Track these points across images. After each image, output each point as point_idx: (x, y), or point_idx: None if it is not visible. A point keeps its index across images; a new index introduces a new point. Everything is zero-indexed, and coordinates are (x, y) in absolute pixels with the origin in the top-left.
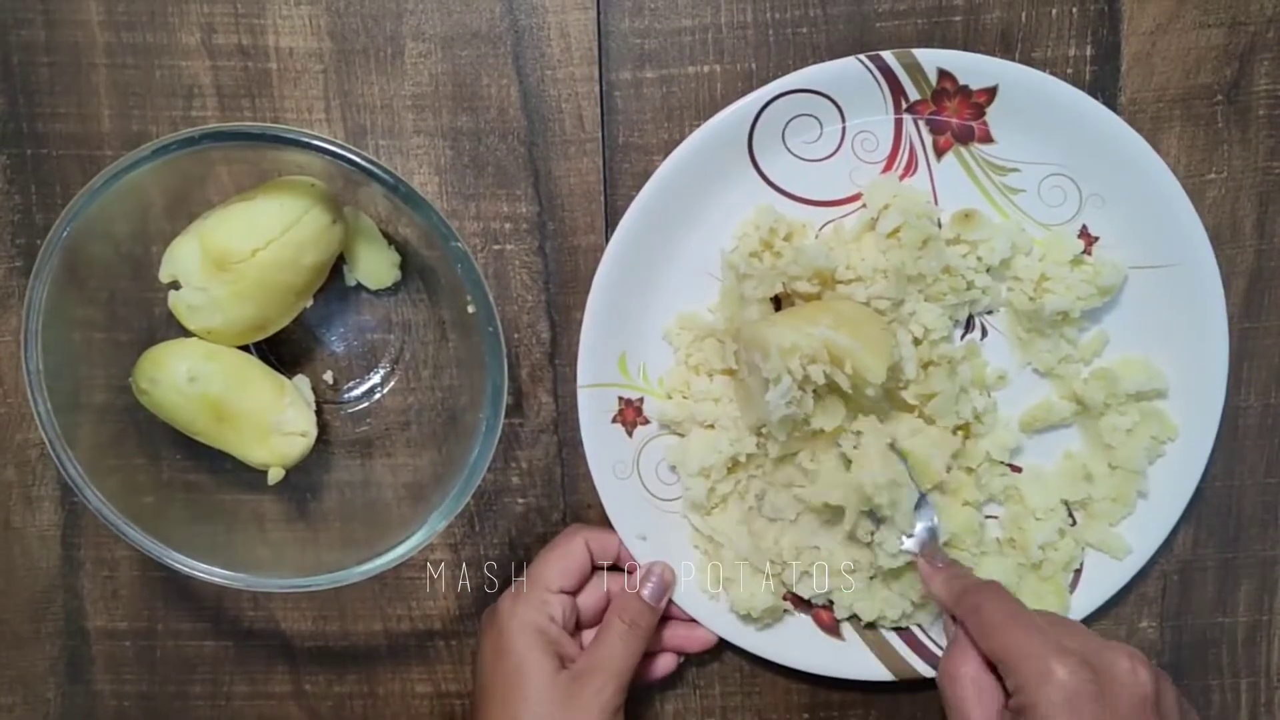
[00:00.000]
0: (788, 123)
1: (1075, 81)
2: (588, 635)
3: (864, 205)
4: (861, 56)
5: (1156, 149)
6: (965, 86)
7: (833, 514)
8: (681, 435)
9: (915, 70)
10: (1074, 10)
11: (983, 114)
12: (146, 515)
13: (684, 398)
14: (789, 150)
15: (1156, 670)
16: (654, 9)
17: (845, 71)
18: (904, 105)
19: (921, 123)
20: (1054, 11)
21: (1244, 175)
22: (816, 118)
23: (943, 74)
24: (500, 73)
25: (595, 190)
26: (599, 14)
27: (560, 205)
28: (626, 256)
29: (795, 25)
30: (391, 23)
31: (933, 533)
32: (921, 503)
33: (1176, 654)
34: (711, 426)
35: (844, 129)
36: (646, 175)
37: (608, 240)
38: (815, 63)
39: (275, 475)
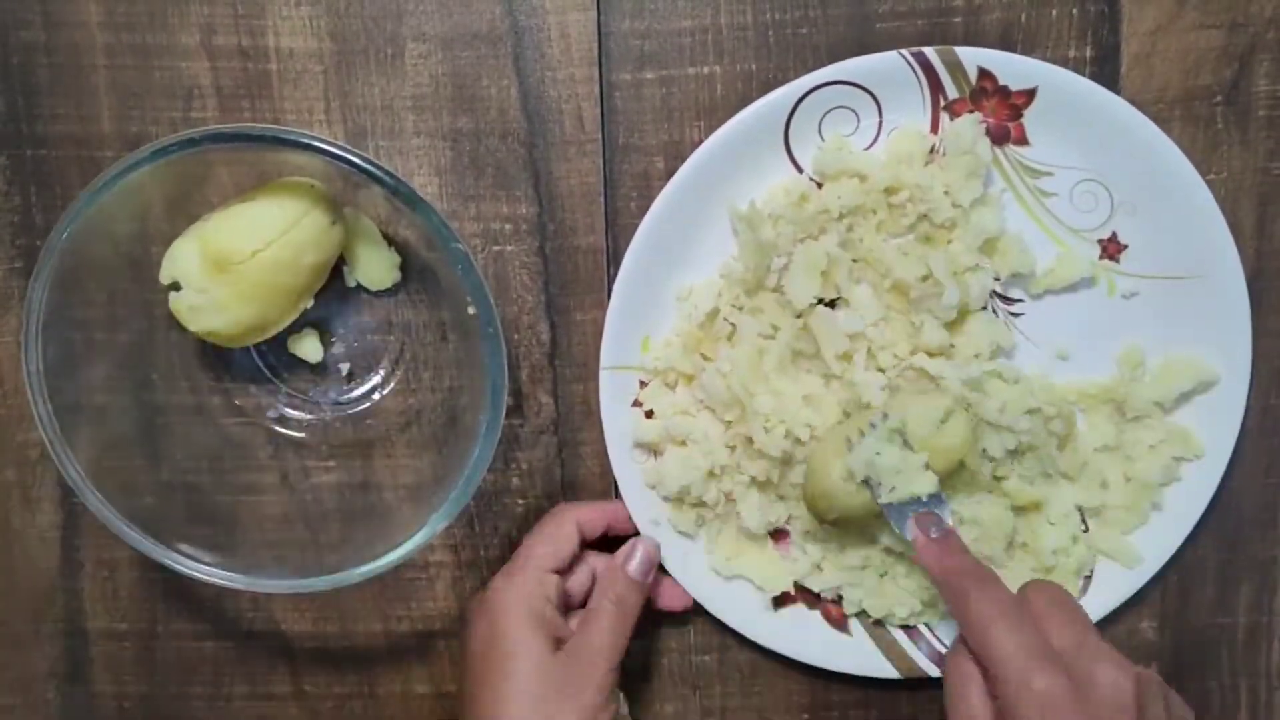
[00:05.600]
0: (825, 114)
1: None
2: (575, 619)
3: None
4: (904, 51)
5: None
6: (1005, 87)
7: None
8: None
9: (956, 68)
10: (1074, 11)
11: (1020, 115)
12: (146, 516)
13: (652, 414)
14: (824, 141)
15: (1147, 678)
16: (654, 10)
17: (886, 66)
18: (942, 103)
19: None
20: (1054, 12)
21: (1244, 176)
22: (854, 110)
23: (983, 73)
24: (500, 74)
25: (595, 191)
26: (599, 15)
27: (560, 206)
28: (656, 239)
29: (795, 26)
30: (392, 24)
31: (936, 499)
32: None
33: (1176, 655)
34: (683, 443)
35: (880, 123)
36: (647, 176)
37: (608, 241)
38: (816, 64)
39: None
